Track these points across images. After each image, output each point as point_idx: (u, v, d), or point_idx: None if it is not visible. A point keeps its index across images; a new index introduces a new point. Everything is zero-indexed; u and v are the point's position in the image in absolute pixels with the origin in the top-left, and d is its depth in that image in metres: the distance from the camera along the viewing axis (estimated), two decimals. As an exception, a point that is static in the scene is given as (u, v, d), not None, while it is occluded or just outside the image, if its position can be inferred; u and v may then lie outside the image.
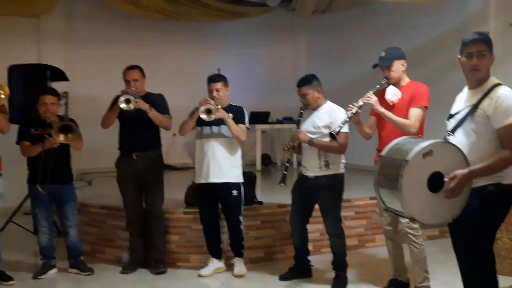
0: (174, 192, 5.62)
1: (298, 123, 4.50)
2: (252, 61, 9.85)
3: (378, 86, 4.06)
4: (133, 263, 4.96)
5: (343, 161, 4.43)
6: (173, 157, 8.13)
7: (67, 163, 4.89)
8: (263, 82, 9.75)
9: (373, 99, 3.92)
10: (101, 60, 8.61)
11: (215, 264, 4.83)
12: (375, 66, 4.08)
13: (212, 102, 4.53)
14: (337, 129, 3.98)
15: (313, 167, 4.38)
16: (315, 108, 4.44)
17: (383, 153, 3.06)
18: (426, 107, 3.91)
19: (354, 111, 3.92)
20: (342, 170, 4.41)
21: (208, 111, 4.46)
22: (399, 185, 2.79)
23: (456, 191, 2.82)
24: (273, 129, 9.25)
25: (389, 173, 2.92)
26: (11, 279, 4.62)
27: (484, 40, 2.99)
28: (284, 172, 4.48)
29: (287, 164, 4.63)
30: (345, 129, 4.22)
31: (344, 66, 9.01)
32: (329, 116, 4.32)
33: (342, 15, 9.11)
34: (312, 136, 4.31)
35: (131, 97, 4.54)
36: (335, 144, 4.19)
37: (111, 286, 4.59)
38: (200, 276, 4.75)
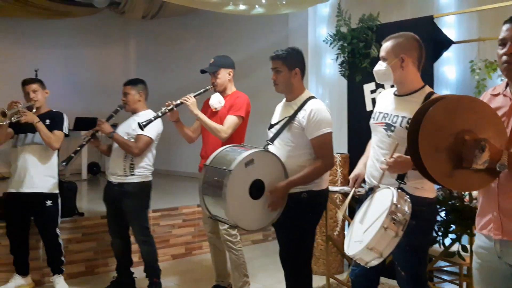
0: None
1: (109, 118, 4.38)
2: (77, 63, 9.50)
3: (201, 90, 4.12)
4: None
5: (150, 167, 4.40)
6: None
7: None
8: (91, 86, 9.39)
9: (190, 100, 3.92)
10: None
11: (18, 281, 4.49)
12: (203, 71, 4.14)
13: (20, 104, 4.29)
14: (144, 123, 3.93)
15: (118, 171, 4.30)
16: (133, 111, 4.40)
17: (208, 162, 3.12)
18: (242, 117, 4.01)
19: (170, 108, 3.92)
20: (149, 178, 4.39)
21: (3, 114, 4.17)
22: (223, 194, 2.86)
23: (277, 203, 3.02)
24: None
25: (213, 181, 2.98)
26: None
27: (277, 57, 3.22)
28: (72, 154, 4.29)
29: (78, 148, 4.41)
30: (150, 133, 4.21)
31: (175, 72, 9.05)
32: (156, 116, 4.21)
33: (173, 21, 9.16)
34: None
35: None
36: (132, 143, 4.21)
37: None
38: None
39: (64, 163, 4.28)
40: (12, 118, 4.22)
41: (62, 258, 4.56)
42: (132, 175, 4.27)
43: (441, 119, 2.07)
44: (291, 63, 3.20)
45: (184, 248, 5.69)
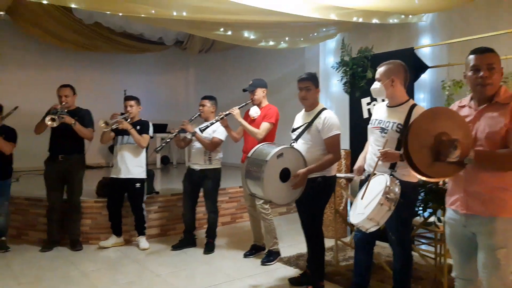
0: (88, 186, 5.20)
1: (190, 120, 4.35)
2: (153, 86, 9.56)
3: (243, 104, 4.14)
4: (51, 242, 4.51)
5: (221, 156, 4.42)
6: (89, 158, 7.61)
7: (4, 163, 4.37)
8: (162, 102, 9.46)
9: (235, 111, 3.96)
10: (27, 80, 7.81)
11: (114, 239, 4.60)
12: (244, 90, 4.16)
13: (118, 115, 4.40)
14: (203, 127, 4.10)
15: (199, 161, 4.33)
16: (206, 118, 4.40)
17: (249, 154, 3.14)
18: (273, 123, 4.01)
19: (221, 116, 4.00)
20: (220, 166, 4.42)
21: (106, 124, 4.25)
22: (261, 178, 2.90)
23: (299, 183, 3.03)
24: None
25: (254, 168, 3.00)
26: None
27: (308, 78, 3.20)
28: (163, 144, 4.26)
29: (168, 140, 4.31)
30: (219, 135, 4.24)
31: (223, 91, 8.99)
32: (211, 128, 4.23)
33: (221, 54, 9.15)
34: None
35: (55, 116, 4.18)
36: (207, 141, 4.24)
37: (33, 261, 4.13)
38: (100, 247, 4.51)
39: (157, 150, 4.32)
40: (113, 126, 4.31)
41: (145, 225, 4.63)
42: (210, 164, 4.32)
43: (424, 125, 2.06)
44: (316, 83, 3.23)
45: (230, 217, 5.70)
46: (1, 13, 6.32)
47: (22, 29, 7.13)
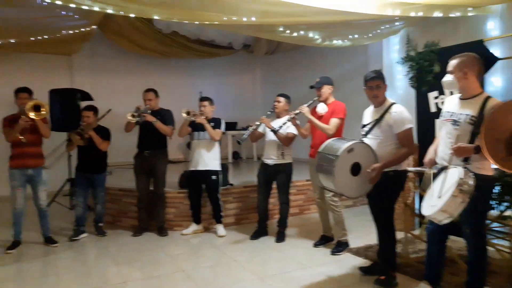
0: (171, 178, 5.48)
1: (266, 115, 4.36)
2: (224, 87, 9.75)
3: (311, 101, 4.09)
4: (141, 229, 4.80)
5: (292, 153, 4.42)
6: (170, 154, 7.94)
7: (100, 158, 4.72)
8: (232, 102, 9.63)
9: (305, 109, 3.94)
10: (118, 85, 8.36)
11: (194, 227, 4.77)
12: (311, 87, 4.11)
13: (197, 112, 4.59)
14: (277, 128, 4.12)
15: (273, 156, 4.35)
16: (278, 115, 4.44)
17: (320, 149, 3.08)
18: (342, 118, 3.93)
19: (292, 116, 4.01)
20: (291, 160, 4.42)
21: (187, 113, 4.48)
22: (332, 172, 2.84)
23: (376, 177, 2.94)
24: (240, 134, 9.19)
25: (325, 163, 2.95)
26: (56, 242, 4.43)
27: (379, 77, 3.08)
28: (244, 136, 4.35)
29: (249, 132, 4.38)
30: (293, 130, 4.23)
31: (289, 90, 8.94)
32: (284, 123, 4.24)
33: (286, 55, 9.13)
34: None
35: (135, 113, 4.52)
36: (283, 136, 4.23)
37: (126, 244, 4.44)
38: (182, 234, 4.71)
39: (239, 141, 4.38)
40: (191, 118, 4.48)
41: (222, 214, 4.77)
42: (283, 158, 4.34)
43: (500, 118, 1.91)
44: (384, 80, 3.11)
45: (298, 209, 5.68)
46: (94, 27, 6.82)
47: (112, 40, 7.66)
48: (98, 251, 4.23)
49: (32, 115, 4.03)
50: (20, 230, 4.31)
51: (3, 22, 5.42)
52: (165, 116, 4.74)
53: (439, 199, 2.44)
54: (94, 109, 4.71)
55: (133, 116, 4.49)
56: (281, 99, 4.42)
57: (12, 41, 6.27)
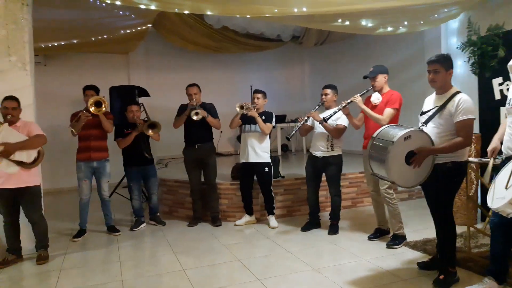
0: (223, 170, 5.61)
1: (315, 109, 4.30)
2: (273, 79, 9.78)
3: (364, 91, 3.99)
4: (196, 219, 4.97)
5: (341, 145, 4.37)
6: (221, 147, 8.22)
7: (149, 151, 4.89)
8: (281, 94, 9.64)
9: (357, 99, 3.87)
10: (170, 81, 8.63)
11: (247, 218, 4.86)
12: (365, 77, 3.99)
13: (249, 104, 4.64)
14: (327, 117, 4.07)
15: (322, 148, 4.31)
16: (328, 107, 4.38)
17: (375, 134, 2.96)
18: (397, 109, 3.80)
19: (343, 105, 3.93)
20: (341, 152, 4.37)
21: (241, 107, 4.56)
22: (386, 159, 2.73)
23: (420, 161, 2.78)
24: (288, 127, 9.19)
25: (379, 150, 2.84)
26: (118, 231, 4.70)
27: (437, 61, 2.91)
28: (293, 131, 4.32)
29: (297, 127, 4.36)
30: (343, 122, 4.16)
31: (339, 81, 8.80)
32: (334, 115, 4.17)
33: (336, 45, 8.96)
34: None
35: (198, 111, 4.65)
36: (332, 128, 4.19)
37: (183, 234, 4.62)
38: (235, 225, 4.81)
39: (288, 137, 4.39)
40: (245, 111, 4.55)
41: (274, 205, 4.81)
42: (332, 150, 4.30)
43: None
44: (447, 65, 2.92)
45: (350, 202, 5.60)
46: (149, 25, 7.10)
47: (165, 38, 7.93)
48: (157, 240, 4.44)
49: (92, 110, 4.30)
50: (85, 219, 4.62)
51: (66, 24, 5.80)
52: (211, 109, 4.85)
53: (506, 190, 2.30)
54: (138, 104, 4.92)
55: (196, 114, 4.63)
56: (328, 90, 4.36)
57: (75, 41, 6.70)
